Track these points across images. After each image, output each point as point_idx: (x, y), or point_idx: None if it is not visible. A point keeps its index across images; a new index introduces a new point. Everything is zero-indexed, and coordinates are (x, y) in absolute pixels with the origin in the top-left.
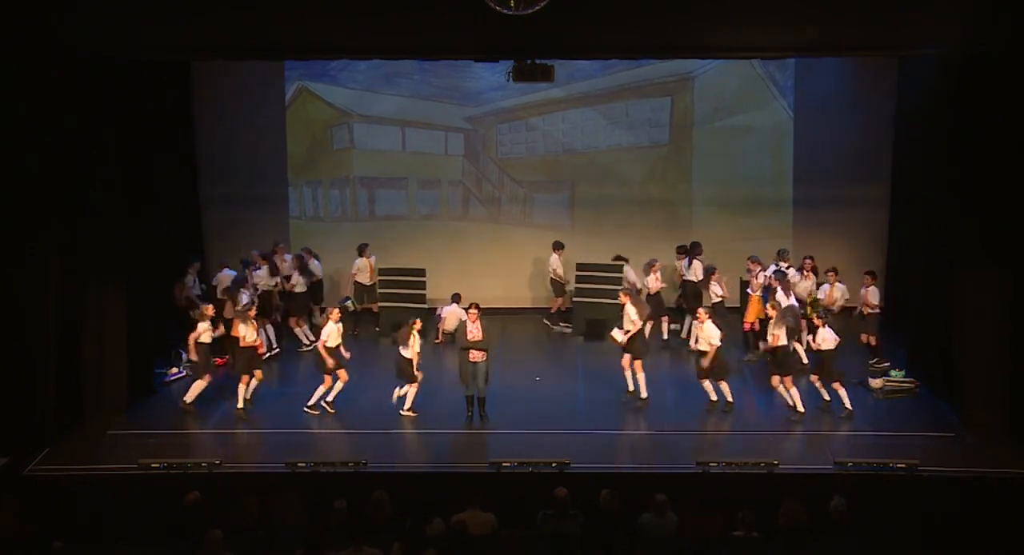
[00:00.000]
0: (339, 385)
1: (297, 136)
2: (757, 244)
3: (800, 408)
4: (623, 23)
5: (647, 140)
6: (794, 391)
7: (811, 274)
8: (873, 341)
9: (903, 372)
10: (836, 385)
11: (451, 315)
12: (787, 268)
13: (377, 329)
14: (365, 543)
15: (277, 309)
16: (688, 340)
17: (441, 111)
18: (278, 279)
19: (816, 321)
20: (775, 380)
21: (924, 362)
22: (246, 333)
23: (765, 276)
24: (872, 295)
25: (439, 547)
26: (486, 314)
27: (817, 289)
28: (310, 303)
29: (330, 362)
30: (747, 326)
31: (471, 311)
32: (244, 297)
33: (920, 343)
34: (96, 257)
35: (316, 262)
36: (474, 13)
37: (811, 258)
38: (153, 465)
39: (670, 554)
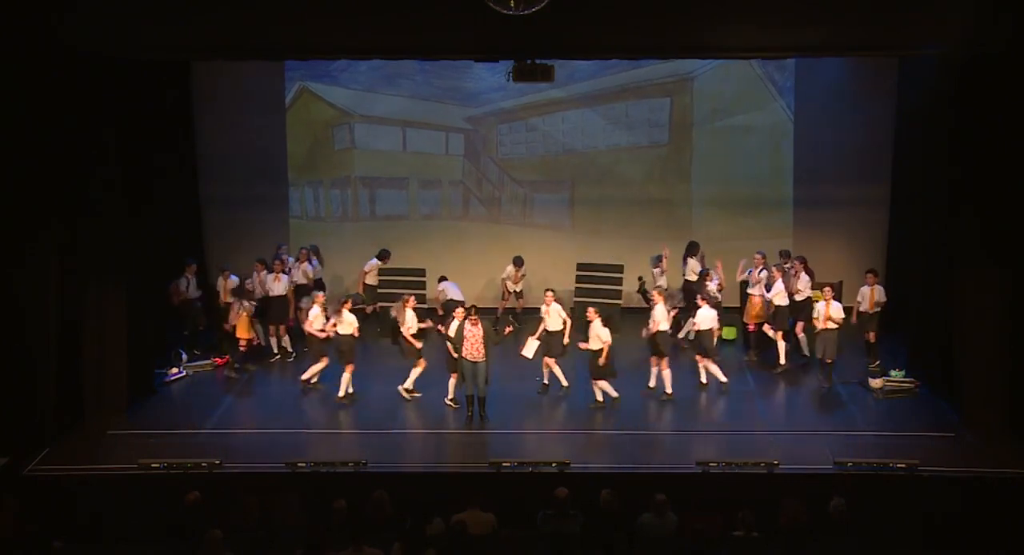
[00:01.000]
0: (319, 366)
1: (298, 136)
2: (756, 244)
3: (669, 390)
4: (623, 23)
5: (647, 140)
6: (667, 373)
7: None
8: (872, 338)
9: (903, 372)
10: (709, 362)
11: (447, 289)
12: (788, 268)
13: (378, 330)
14: (365, 543)
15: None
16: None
17: (442, 111)
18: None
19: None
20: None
21: (924, 362)
22: (339, 325)
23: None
24: (879, 293)
25: (439, 547)
26: (486, 314)
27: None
28: (288, 309)
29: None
30: (751, 326)
31: (471, 316)
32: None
33: (920, 343)
34: (96, 257)
35: (309, 266)
36: (474, 13)
37: (801, 259)
38: (153, 465)
39: (670, 554)
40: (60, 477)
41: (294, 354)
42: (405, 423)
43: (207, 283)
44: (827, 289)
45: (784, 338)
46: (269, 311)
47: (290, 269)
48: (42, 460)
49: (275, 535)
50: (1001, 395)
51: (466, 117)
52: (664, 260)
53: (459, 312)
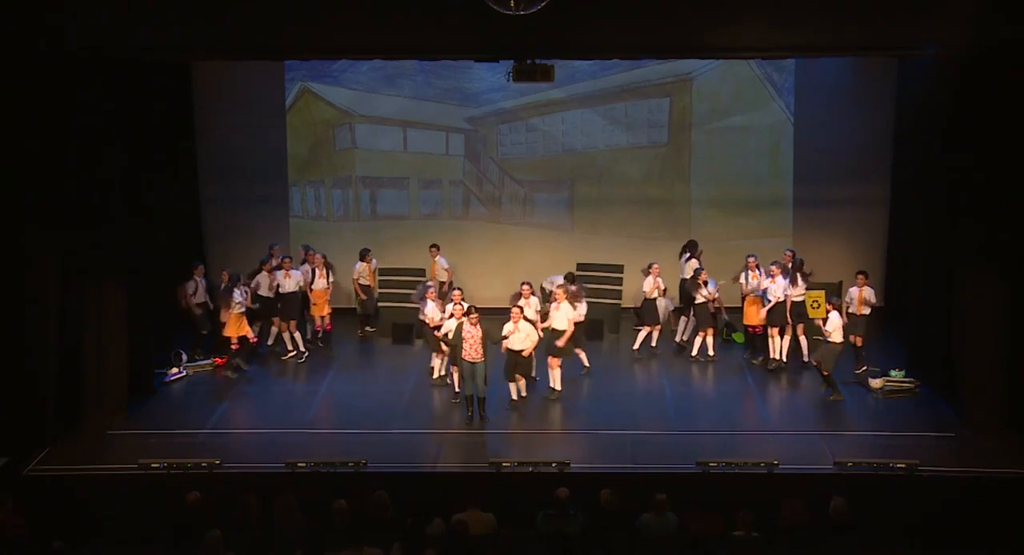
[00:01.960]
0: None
1: (300, 136)
2: (756, 243)
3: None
4: (623, 23)
5: (646, 140)
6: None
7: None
8: (859, 342)
9: (903, 372)
10: (555, 362)
11: (436, 266)
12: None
13: (370, 328)
14: (365, 543)
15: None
16: (682, 341)
17: (442, 112)
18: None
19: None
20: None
21: (924, 362)
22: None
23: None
24: (868, 294)
25: (439, 547)
26: (486, 313)
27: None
28: (301, 307)
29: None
30: (756, 329)
31: (471, 315)
32: (237, 295)
33: (920, 343)
34: (96, 257)
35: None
36: (474, 13)
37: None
38: (153, 465)
39: (670, 554)
40: (60, 477)
41: (306, 353)
42: (405, 423)
43: (210, 284)
44: (860, 276)
45: (780, 334)
46: (282, 308)
47: (307, 266)
48: (42, 460)
49: (275, 535)
50: (1001, 395)
51: (466, 117)
52: (654, 271)
53: (457, 308)
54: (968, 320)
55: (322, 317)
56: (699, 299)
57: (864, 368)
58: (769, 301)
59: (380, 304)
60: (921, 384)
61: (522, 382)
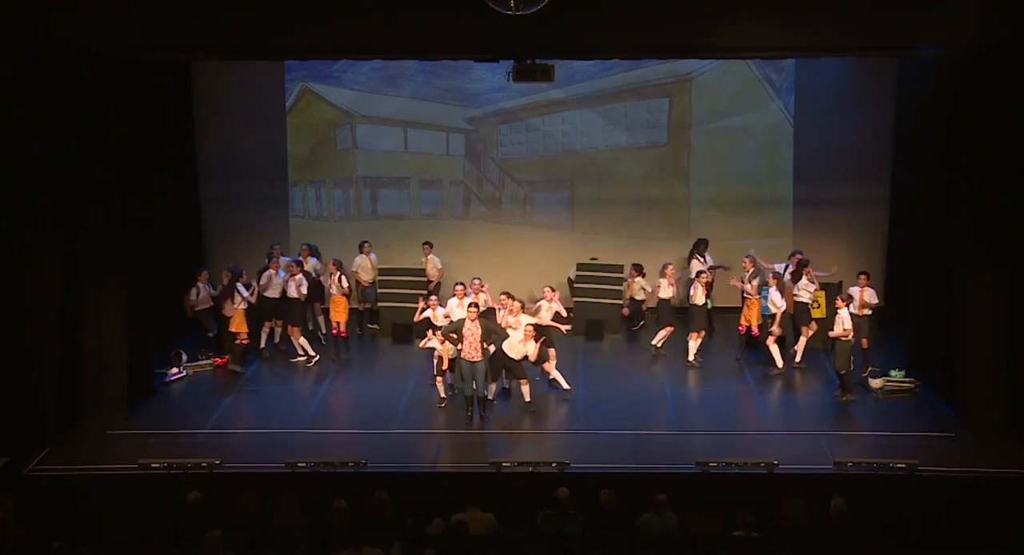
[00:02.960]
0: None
1: (301, 137)
2: (756, 243)
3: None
4: (623, 23)
5: (646, 140)
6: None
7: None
8: (864, 343)
9: (903, 372)
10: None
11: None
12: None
13: (371, 326)
14: (365, 543)
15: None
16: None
17: (443, 112)
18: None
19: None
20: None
21: (924, 362)
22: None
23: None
24: (868, 295)
25: (439, 547)
26: (486, 313)
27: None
28: (306, 310)
29: None
30: (742, 328)
31: (470, 309)
32: (241, 290)
33: (920, 343)
34: (96, 257)
35: (311, 260)
36: (474, 13)
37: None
38: (153, 465)
39: (670, 554)
40: (60, 477)
41: (316, 357)
42: (405, 423)
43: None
44: (861, 277)
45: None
46: (287, 313)
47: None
48: (42, 460)
49: (275, 535)
50: (1001, 395)
51: (467, 117)
52: (668, 272)
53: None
54: (968, 320)
55: (338, 323)
56: (661, 295)
57: (870, 368)
58: (768, 309)
59: (380, 304)
60: (921, 384)
61: (525, 387)
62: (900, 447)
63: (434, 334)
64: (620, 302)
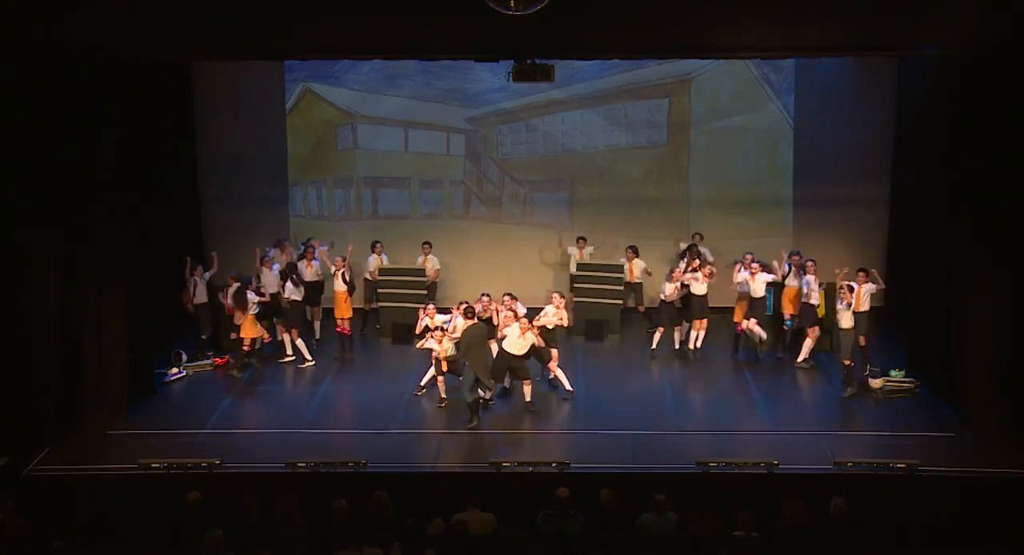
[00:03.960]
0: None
1: (302, 137)
2: (756, 243)
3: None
4: (623, 23)
5: (645, 140)
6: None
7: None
8: (863, 341)
9: (903, 372)
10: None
11: (428, 263)
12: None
13: (377, 327)
14: (365, 543)
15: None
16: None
17: (443, 112)
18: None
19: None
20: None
21: (924, 362)
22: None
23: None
24: (866, 289)
25: (439, 547)
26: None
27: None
28: (303, 312)
29: None
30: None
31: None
32: (251, 296)
33: (920, 343)
34: (96, 257)
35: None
36: (474, 13)
37: (798, 254)
38: (153, 465)
39: (670, 554)
40: (60, 477)
41: (311, 362)
42: (405, 423)
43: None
44: (860, 274)
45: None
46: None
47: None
48: (42, 460)
49: (275, 535)
50: (1001, 395)
51: (467, 118)
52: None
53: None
54: (968, 320)
55: (341, 319)
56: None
57: (869, 369)
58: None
59: (380, 304)
60: (921, 384)
61: (528, 387)
62: (900, 447)
63: (432, 334)
64: (619, 302)
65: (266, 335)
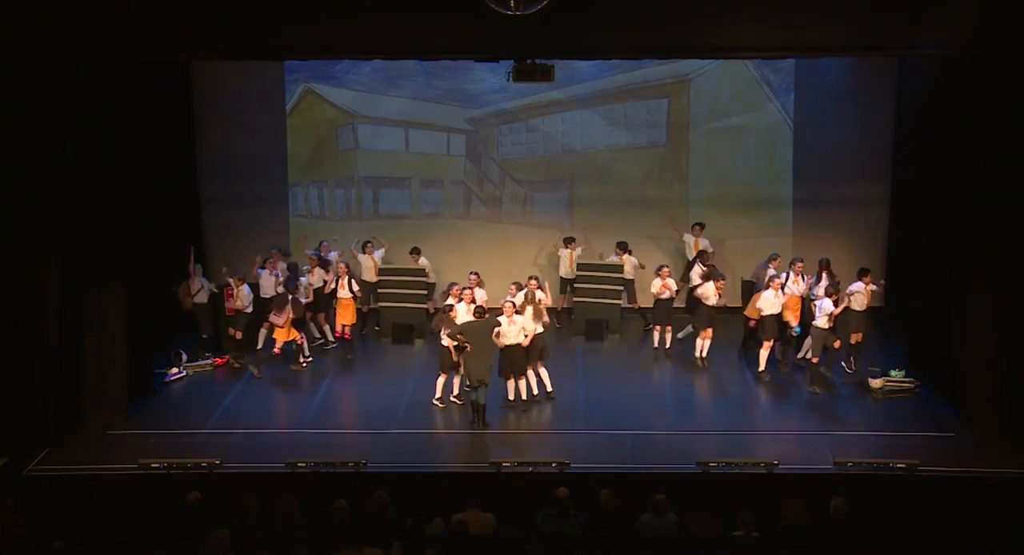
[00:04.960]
0: None
1: (303, 137)
2: (755, 243)
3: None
4: (623, 23)
5: (645, 141)
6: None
7: (799, 278)
8: (855, 339)
9: (903, 372)
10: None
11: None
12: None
13: (377, 327)
14: (365, 543)
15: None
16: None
17: (443, 113)
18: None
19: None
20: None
21: (924, 362)
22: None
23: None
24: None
25: (439, 547)
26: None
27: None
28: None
29: None
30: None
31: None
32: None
33: (920, 343)
34: (96, 257)
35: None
36: (474, 13)
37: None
38: (153, 465)
39: (670, 554)
40: (60, 477)
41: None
42: (405, 423)
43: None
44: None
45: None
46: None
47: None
48: (42, 460)
49: (275, 535)
50: (1001, 395)
51: (467, 118)
52: (664, 273)
53: (466, 294)
54: (968, 320)
55: (343, 326)
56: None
57: (855, 369)
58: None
59: (380, 304)
60: (921, 384)
61: (522, 382)
62: (900, 447)
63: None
64: (619, 302)
65: (299, 337)
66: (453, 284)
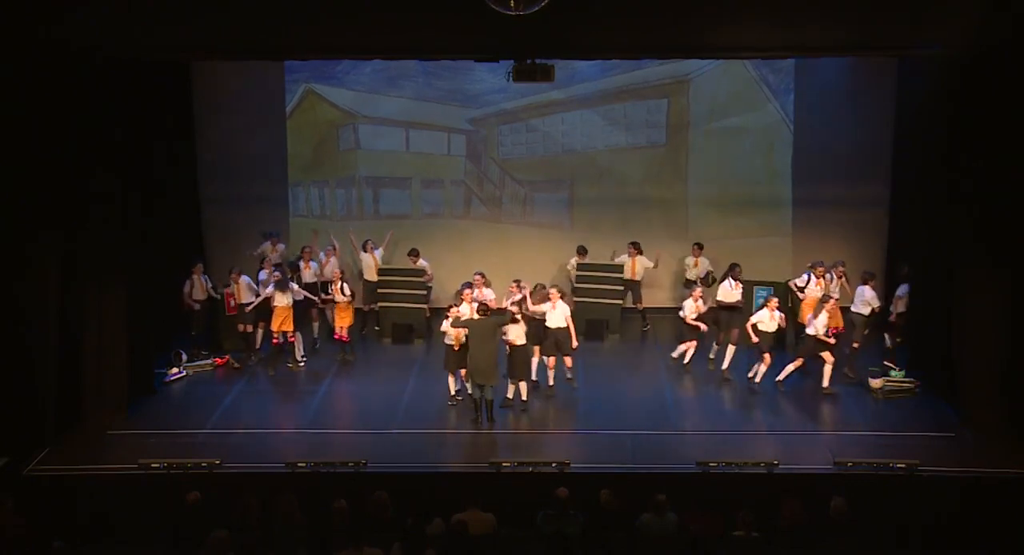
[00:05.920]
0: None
1: (305, 137)
2: (755, 243)
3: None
4: (623, 23)
5: (644, 141)
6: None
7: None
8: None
9: (903, 372)
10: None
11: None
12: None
13: (377, 327)
14: (365, 543)
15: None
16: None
17: (444, 113)
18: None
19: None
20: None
21: (924, 362)
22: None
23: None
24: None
25: (439, 547)
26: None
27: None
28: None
29: None
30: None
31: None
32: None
33: (920, 343)
34: (96, 257)
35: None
36: (474, 13)
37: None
38: (153, 465)
39: (670, 554)
40: (60, 477)
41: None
42: (405, 423)
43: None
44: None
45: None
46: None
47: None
48: (42, 460)
49: (275, 535)
50: (1001, 395)
51: (468, 118)
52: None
53: (467, 294)
54: (968, 320)
55: (340, 327)
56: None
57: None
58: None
59: (380, 304)
60: (921, 384)
61: (523, 384)
62: (900, 447)
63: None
64: (620, 302)
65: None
66: (466, 284)
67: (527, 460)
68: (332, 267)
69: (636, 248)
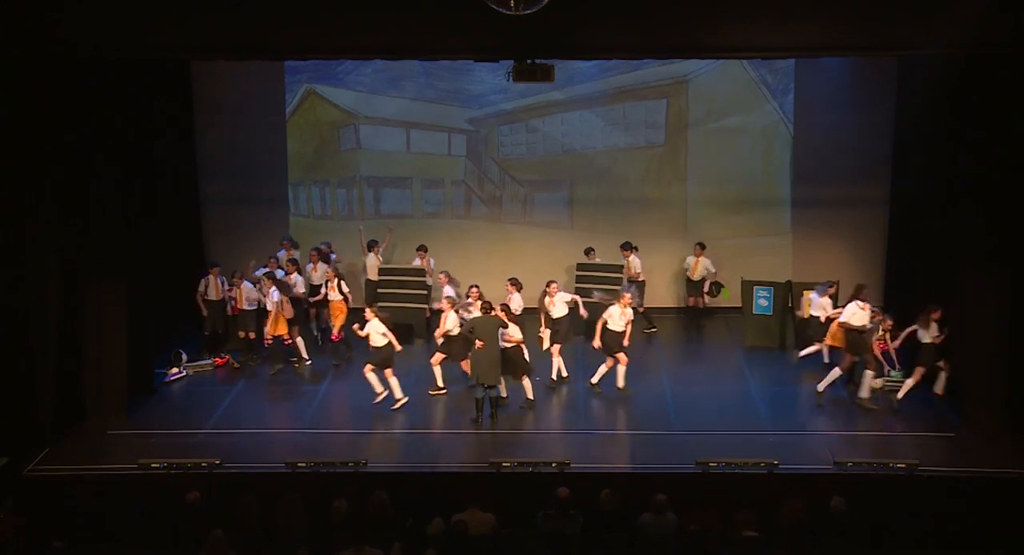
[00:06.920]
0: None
1: (305, 137)
2: (754, 242)
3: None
4: (623, 23)
5: (643, 141)
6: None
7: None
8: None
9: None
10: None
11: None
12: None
13: None
14: (365, 543)
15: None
16: None
17: (444, 113)
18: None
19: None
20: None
21: (924, 362)
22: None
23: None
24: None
25: (439, 547)
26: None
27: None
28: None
29: None
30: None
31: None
32: (275, 295)
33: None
34: (96, 257)
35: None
36: (474, 13)
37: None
38: (153, 465)
39: (670, 554)
40: (60, 477)
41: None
42: (405, 423)
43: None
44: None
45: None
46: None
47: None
48: (42, 460)
49: (275, 535)
50: (1001, 395)
51: (468, 118)
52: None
53: (474, 292)
54: (968, 320)
55: (338, 327)
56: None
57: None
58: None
59: (380, 304)
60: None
61: (526, 381)
62: (900, 447)
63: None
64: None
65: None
66: (473, 286)
67: (527, 460)
68: (324, 269)
69: (627, 248)
